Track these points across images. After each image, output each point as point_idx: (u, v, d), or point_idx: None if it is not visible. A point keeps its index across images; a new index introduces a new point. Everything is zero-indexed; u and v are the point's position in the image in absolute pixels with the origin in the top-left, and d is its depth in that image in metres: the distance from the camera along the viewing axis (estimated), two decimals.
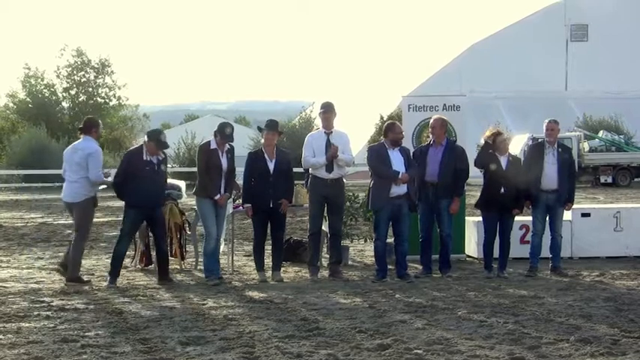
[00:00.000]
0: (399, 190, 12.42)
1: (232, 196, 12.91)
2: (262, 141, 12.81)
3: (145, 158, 12.06)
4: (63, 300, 10.87)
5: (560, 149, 13.24)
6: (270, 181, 12.36)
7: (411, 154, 13.00)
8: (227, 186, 12.34)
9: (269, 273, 12.56)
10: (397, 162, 12.47)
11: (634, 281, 12.40)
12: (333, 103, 13.14)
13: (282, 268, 12.96)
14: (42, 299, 10.93)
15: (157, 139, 12.12)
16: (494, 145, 12.93)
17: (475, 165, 13.01)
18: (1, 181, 44.37)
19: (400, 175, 12.35)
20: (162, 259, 12.37)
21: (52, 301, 10.76)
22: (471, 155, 13.16)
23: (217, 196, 12.19)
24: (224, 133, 12.31)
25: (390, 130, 12.68)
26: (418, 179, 12.76)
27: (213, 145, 12.34)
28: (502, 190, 12.71)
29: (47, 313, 10.00)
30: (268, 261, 12.75)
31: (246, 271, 13.09)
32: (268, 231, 12.63)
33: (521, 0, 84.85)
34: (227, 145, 12.39)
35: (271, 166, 12.44)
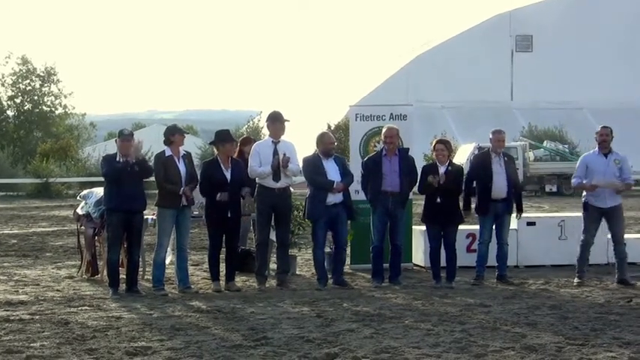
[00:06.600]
0: (335, 198, 12.67)
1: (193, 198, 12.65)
2: (217, 152, 12.65)
3: (117, 159, 11.99)
4: (7, 311, 10.73)
5: (506, 158, 13.35)
6: (227, 190, 12.33)
7: (363, 163, 13.18)
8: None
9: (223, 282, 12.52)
10: (332, 171, 12.72)
11: (578, 289, 12.56)
12: (281, 113, 13.12)
13: None
14: None
15: (119, 132, 12.20)
16: (434, 151, 13.16)
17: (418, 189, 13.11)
18: None
19: (335, 185, 12.59)
20: (131, 269, 12.23)
21: None
22: (418, 165, 13.27)
23: (181, 190, 12.04)
24: (175, 130, 12.36)
25: (320, 141, 12.89)
26: (374, 189, 12.85)
27: (169, 153, 12.29)
28: (438, 199, 12.79)
29: None
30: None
31: (193, 281, 13.02)
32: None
33: (467, 11, 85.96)
34: (182, 151, 12.36)
35: (228, 175, 12.39)
